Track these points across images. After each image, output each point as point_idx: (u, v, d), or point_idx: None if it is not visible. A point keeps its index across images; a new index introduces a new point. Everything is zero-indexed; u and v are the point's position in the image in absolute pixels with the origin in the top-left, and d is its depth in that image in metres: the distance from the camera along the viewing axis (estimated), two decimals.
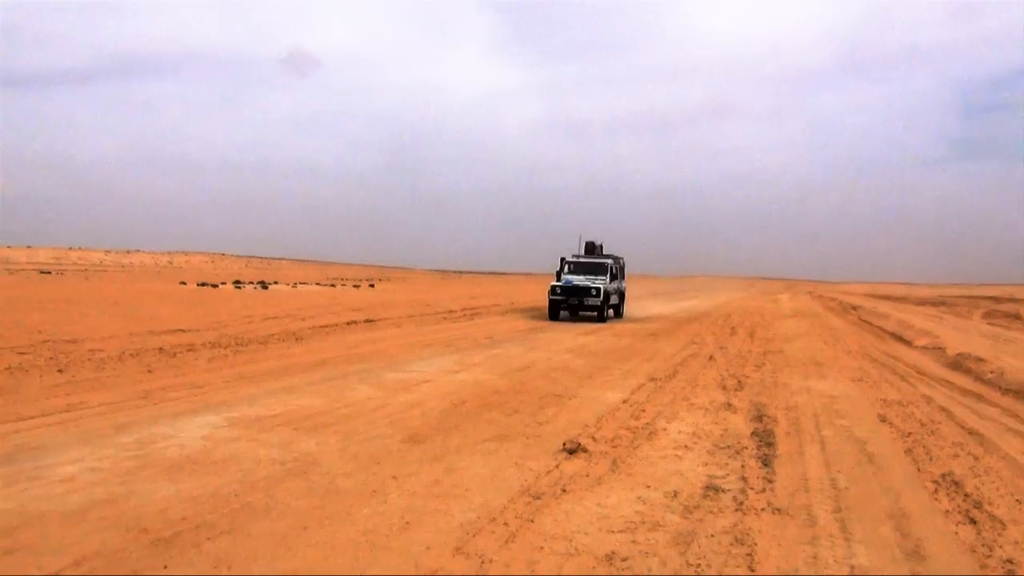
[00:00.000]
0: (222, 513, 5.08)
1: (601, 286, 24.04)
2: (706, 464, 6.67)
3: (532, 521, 5.07)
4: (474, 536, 4.76)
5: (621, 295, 27.64)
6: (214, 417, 8.12)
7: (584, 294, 23.97)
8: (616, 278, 26.32)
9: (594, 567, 4.34)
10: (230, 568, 4.19)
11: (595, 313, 24.14)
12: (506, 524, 5.00)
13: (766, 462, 6.78)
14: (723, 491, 5.87)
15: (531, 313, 27.53)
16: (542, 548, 4.60)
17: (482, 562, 4.36)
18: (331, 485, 5.77)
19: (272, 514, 5.09)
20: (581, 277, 24.89)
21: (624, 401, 9.66)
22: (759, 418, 8.73)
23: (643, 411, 9.00)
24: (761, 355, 15.32)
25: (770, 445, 7.44)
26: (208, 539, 4.61)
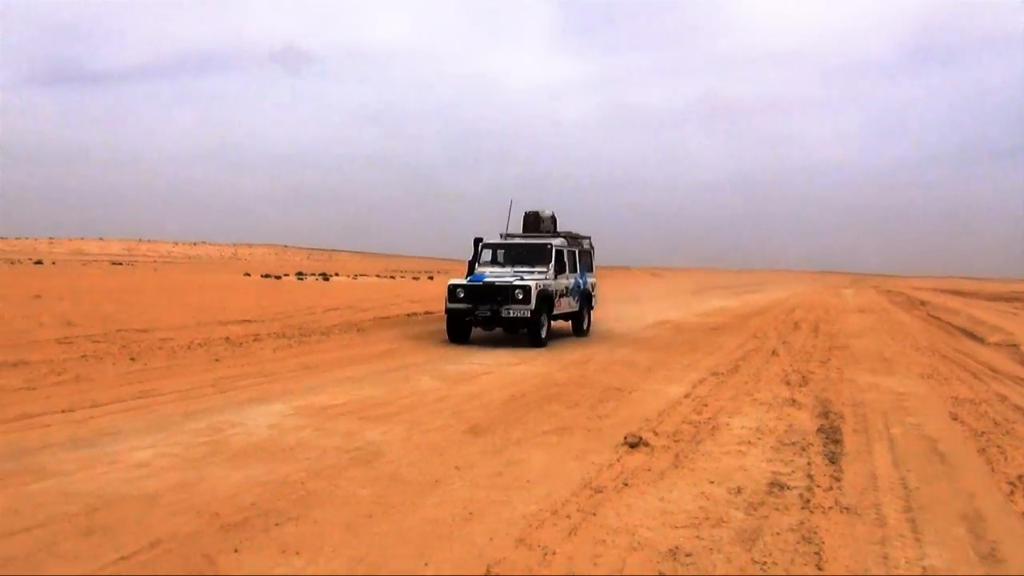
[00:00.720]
0: (289, 500, 5.18)
1: (532, 283, 14.77)
2: (770, 460, 6.57)
3: (594, 514, 5.06)
4: (537, 528, 4.77)
5: (585, 297, 17.70)
6: (280, 406, 8.30)
7: (503, 298, 14.77)
8: (566, 270, 16.60)
9: (658, 562, 4.31)
10: (298, 553, 4.27)
11: (525, 328, 15.00)
12: (568, 517, 5.00)
13: (833, 459, 6.65)
14: (789, 488, 5.77)
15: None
16: (604, 541, 4.59)
17: (545, 554, 4.37)
18: (395, 474, 5.84)
19: (338, 502, 5.18)
20: (507, 270, 16.02)
21: (685, 395, 9.56)
22: (825, 415, 8.56)
23: (705, 406, 8.90)
24: (826, 350, 15.01)
25: (837, 442, 7.28)
26: (276, 525, 4.71)
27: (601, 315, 22.98)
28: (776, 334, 18.47)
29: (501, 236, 17.27)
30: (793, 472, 6.22)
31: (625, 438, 7.05)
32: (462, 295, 15.12)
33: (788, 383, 10.68)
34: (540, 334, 14.96)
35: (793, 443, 7.21)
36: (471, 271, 16.35)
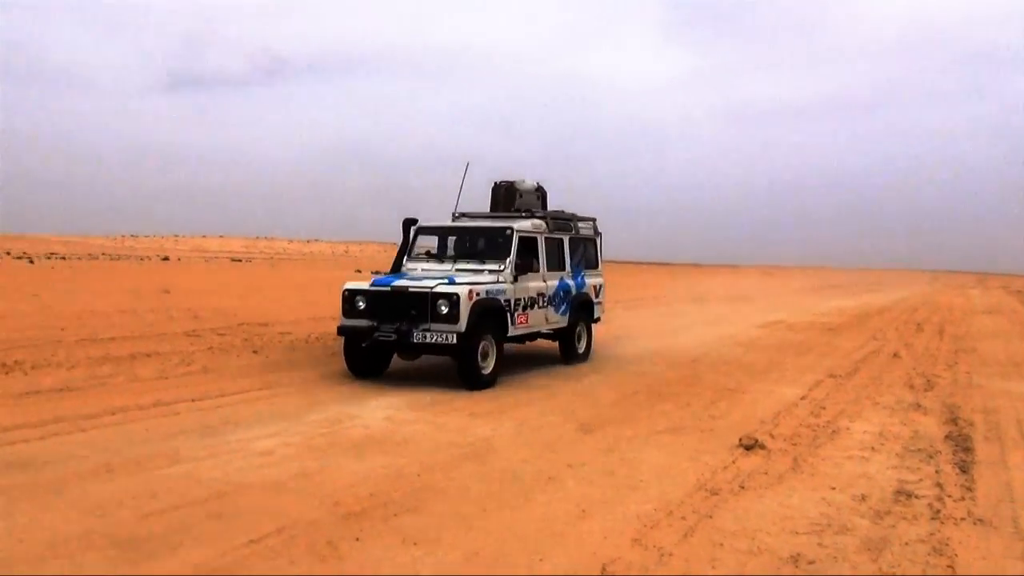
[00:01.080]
0: (406, 492, 5.30)
1: (463, 289, 9.23)
2: (896, 467, 6.29)
3: (711, 517, 4.97)
4: (651, 528, 4.72)
5: (581, 307, 12.01)
6: (394, 400, 8.50)
7: (420, 312, 9.30)
8: (540, 267, 10.91)
9: (779, 568, 4.19)
10: (416, 544, 4.36)
11: (453, 357, 9.45)
12: (683, 518, 4.92)
13: (964, 468, 6.31)
14: (916, 497, 5.51)
15: (703, 303, 26.94)
16: (722, 545, 4.49)
17: (661, 555, 4.31)
18: (508, 470, 5.89)
19: (453, 495, 5.26)
20: (444, 267, 10.59)
21: (802, 397, 9.26)
22: (953, 421, 8.14)
23: (823, 408, 8.60)
24: (952, 353, 14.27)
25: (967, 450, 6.91)
26: (395, 515, 4.82)
27: (708, 315, 22.56)
28: (897, 336, 17.68)
29: (460, 215, 11.89)
30: (921, 480, 5.94)
31: (740, 440, 6.89)
32: (362, 306, 9.68)
33: (912, 387, 10.20)
34: (477, 369, 9.41)
35: (920, 450, 6.88)
36: (396, 267, 11.19)
